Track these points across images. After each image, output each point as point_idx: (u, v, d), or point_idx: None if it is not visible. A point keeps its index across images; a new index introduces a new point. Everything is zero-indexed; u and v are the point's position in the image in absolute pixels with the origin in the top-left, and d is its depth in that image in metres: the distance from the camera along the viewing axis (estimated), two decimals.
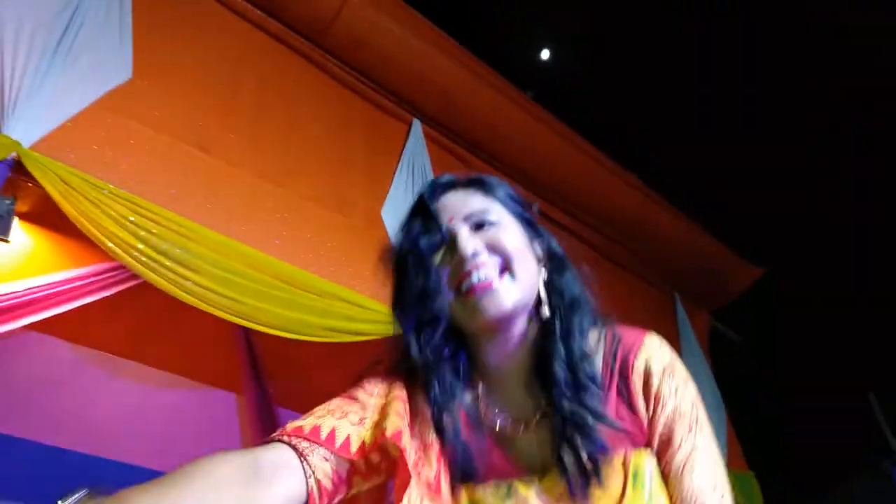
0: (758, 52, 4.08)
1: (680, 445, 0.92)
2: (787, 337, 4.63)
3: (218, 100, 2.61)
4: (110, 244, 2.02)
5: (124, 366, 3.06)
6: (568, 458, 0.88)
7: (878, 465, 4.37)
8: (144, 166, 2.31)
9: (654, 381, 0.95)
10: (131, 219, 2.10)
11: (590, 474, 0.87)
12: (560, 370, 0.92)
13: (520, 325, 0.95)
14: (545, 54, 4.80)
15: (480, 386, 0.98)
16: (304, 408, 3.37)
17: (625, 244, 4.14)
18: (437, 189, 1.03)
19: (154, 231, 2.14)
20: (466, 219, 0.98)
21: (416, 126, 3.31)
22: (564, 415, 0.90)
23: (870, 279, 4.50)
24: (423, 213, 1.01)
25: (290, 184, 2.62)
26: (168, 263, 2.12)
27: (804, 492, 4.19)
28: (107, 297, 2.31)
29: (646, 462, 0.90)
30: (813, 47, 3.93)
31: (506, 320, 0.93)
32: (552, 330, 0.95)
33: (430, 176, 3.20)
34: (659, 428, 0.93)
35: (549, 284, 0.99)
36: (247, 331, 2.98)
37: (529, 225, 1.02)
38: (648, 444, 0.93)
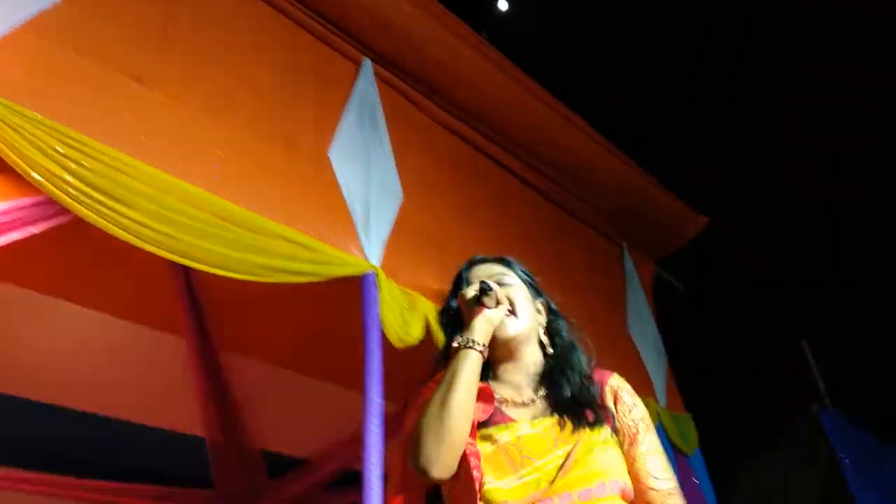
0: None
1: (644, 438, 1.43)
2: (728, 286, 4.75)
3: (154, 28, 2.46)
4: (35, 175, 1.91)
5: (58, 306, 2.94)
6: (564, 403, 1.40)
7: (807, 409, 4.57)
8: (74, 96, 2.17)
9: (622, 396, 1.48)
10: (59, 150, 1.99)
11: (581, 417, 1.38)
12: (570, 373, 1.45)
13: (525, 354, 1.48)
14: (503, 5, 4.71)
15: (493, 384, 1.45)
16: (249, 352, 3.32)
17: (574, 191, 4.14)
18: (471, 264, 1.58)
19: (84, 164, 2.02)
20: (489, 277, 1.49)
21: (367, 66, 3.19)
22: (573, 388, 1.42)
23: (808, 232, 4.63)
24: (460, 280, 1.55)
25: (231, 119, 2.52)
26: (99, 197, 2.01)
27: (739, 433, 4.36)
28: (36, 234, 2.20)
29: (606, 427, 1.40)
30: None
31: (513, 346, 1.46)
32: (558, 356, 1.48)
33: (382, 118, 3.12)
34: (630, 424, 1.43)
35: (549, 328, 1.52)
36: (186, 271, 2.91)
37: (534, 289, 1.56)
38: (613, 431, 1.42)
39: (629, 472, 1.38)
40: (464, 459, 1.31)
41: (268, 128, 2.62)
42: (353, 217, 2.76)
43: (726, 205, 4.57)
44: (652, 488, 1.37)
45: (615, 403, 1.46)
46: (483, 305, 1.41)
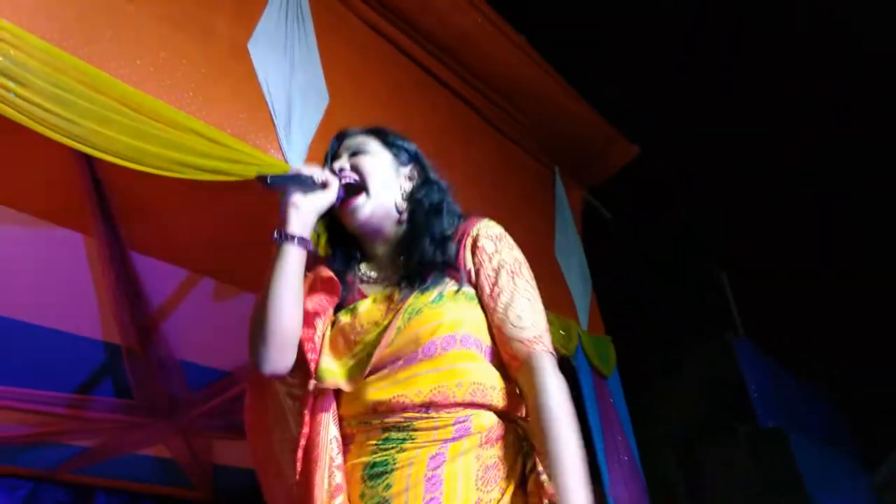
0: None
1: (503, 287, 1.28)
2: (655, 216, 4.84)
3: None
4: None
5: None
6: (409, 270, 1.31)
7: (721, 337, 4.77)
8: None
9: (481, 243, 1.33)
10: None
11: (416, 282, 1.29)
12: (422, 238, 1.35)
13: (388, 227, 1.41)
14: None
15: (362, 263, 1.43)
16: (161, 253, 3.19)
17: (510, 112, 4.09)
18: (339, 136, 1.49)
19: None
20: (347, 149, 1.44)
21: None
22: (422, 253, 1.32)
23: (735, 166, 4.73)
24: (327, 154, 1.48)
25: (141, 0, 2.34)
26: None
27: (656, 357, 4.53)
28: None
29: (446, 284, 1.29)
30: None
31: (372, 223, 1.39)
32: (415, 224, 1.38)
33: (308, 14, 2.97)
34: (488, 274, 1.30)
35: (413, 198, 1.42)
36: (91, 164, 2.75)
37: (407, 156, 1.47)
38: (470, 286, 1.32)
39: (493, 324, 1.28)
40: (301, 346, 1.29)
41: (181, 12, 2.44)
42: (274, 117, 2.64)
43: (659, 136, 4.60)
44: (513, 337, 1.25)
45: (474, 254, 1.33)
46: (294, 191, 1.31)
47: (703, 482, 4.42)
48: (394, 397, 1.21)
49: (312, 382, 1.27)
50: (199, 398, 4.36)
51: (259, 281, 3.53)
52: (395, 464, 1.19)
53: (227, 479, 5.25)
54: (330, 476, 1.21)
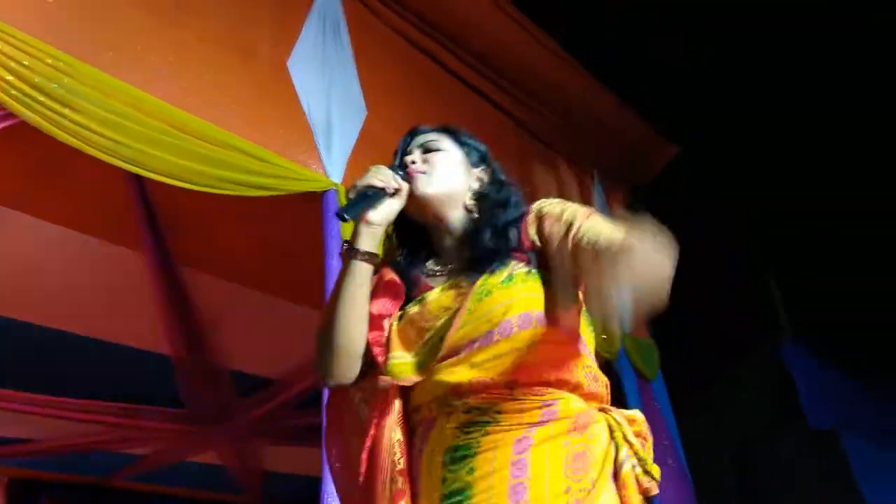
0: None
1: (581, 224, 1.19)
2: (698, 218, 4.76)
3: None
4: None
5: (12, 218, 2.87)
6: (474, 258, 1.28)
7: (770, 339, 4.67)
8: None
9: (545, 211, 1.29)
10: None
11: (483, 266, 1.25)
12: (486, 228, 1.31)
13: (453, 218, 1.36)
14: None
15: (429, 260, 1.39)
16: (209, 267, 3.26)
17: (546, 116, 4.09)
18: (411, 133, 1.46)
19: (25, 62, 1.94)
20: (419, 146, 1.41)
21: None
22: (487, 241, 1.29)
23: (781, 165, 4.63)
24: (397, 151, 1.44)
25: (185, 23, 2.42)
26: (42, 98, 1.94)
27: (701, 359, 4.46)
28: None
29: (515, 267, 1.25)
30: None
31: (433, 208, 1.35)
32: (480, 217, 1.35)
33: (344, 32, 3.03)
34: (559, 225, 1.23)
35: (481, 195, 1.38)
36: (141, 183, 2.85)
37: (478, 157, 1.45)
38: (540, 267, 1.26)
39: (571, 253, 1.17)
40: (369, 349, 1.27)
41: (222, 33, 2.53)
42: (314, 132, 2.70)
43: (699, 136, 4.54)
44: (591, 240, 1.14)
45: (540, 223, 1.28)
46: (366, 209, 1.28)
47: (756, 485, 4.33)
48: (473, 378, 1.18)
49: (382, 379, 1.24)
50: (248, 406, 4.46)
51: (302, 291, 3.58)
52: (478, 447, 1.15)
53: (276, 484, 5.36)
54: (392, 482, 1.19)
